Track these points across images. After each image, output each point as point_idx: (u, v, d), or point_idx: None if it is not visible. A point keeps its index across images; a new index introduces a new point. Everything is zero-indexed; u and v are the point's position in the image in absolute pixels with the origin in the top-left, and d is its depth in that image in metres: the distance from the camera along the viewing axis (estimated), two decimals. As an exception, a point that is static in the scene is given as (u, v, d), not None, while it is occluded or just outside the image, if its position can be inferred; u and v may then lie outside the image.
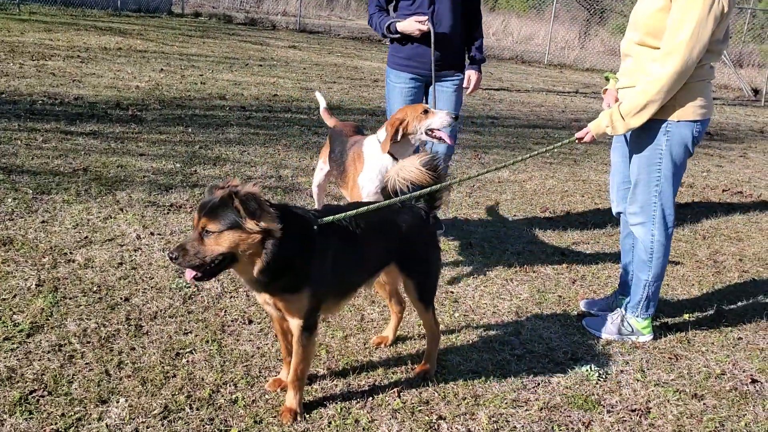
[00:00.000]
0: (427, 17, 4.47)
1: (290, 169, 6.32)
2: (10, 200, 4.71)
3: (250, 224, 2.37)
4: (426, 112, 4.00)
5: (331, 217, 2.75)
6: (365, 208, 2.88)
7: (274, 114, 8.78)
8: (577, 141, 3.58)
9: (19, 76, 9.18)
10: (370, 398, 2.98)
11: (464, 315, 3.90)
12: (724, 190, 7.44)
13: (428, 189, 3.08)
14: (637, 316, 3.75)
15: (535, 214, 5.87)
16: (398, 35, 4.58)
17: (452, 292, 4.16)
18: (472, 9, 4.77)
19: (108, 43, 13.82)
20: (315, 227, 2.66)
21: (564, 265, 4.77)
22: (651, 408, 3.15)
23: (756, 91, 18.20)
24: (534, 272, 4.58)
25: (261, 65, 13.19)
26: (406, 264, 3.05)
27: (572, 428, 2.94)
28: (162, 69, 11.24)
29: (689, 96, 3.37)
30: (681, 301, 4.37)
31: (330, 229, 2.72)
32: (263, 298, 2.69)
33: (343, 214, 2.79)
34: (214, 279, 2.75)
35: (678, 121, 3.41)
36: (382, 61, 16.98)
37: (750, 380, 3.46)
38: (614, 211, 3.97)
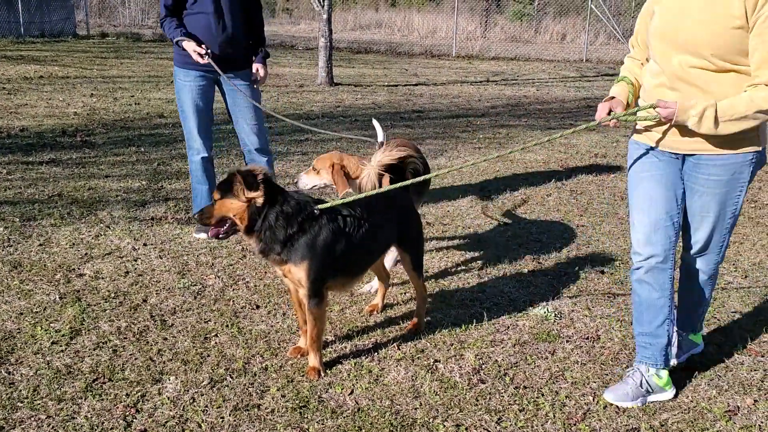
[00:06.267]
0: (207, 50, 4.63)
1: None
2: (1, 229, 5.05)
3: (240, 193, 3.14)
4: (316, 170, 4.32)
5: (329, 203, 3.32)
6: (363, 194, 3.47)
7: (216, 126, 9.16)
8: (655, 110, 2.94)
9: (-47, 113, 9.25)
10: (376, 353, 3.58)
11: (434, 281, 4.54)
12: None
13: (430, 175, 3.76)
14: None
15: (474, 193, 6.58)
16: (185, 51, 4.68)
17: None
18: (251, 7, 4.95)
19: (26, 72, 13.80)
20: (315, 211, 3.25)
21: (510, 233, 5.49)
22: (600, 335, 3.87)
23: (649, 65, 19.64)
24: (485, 241, 5.28)
25: (186, 81, 13.46)
26: (404, 243, 3.73)
27: (542, 356, 3.63)
28: (92, 94, 11.42)
29: None
30: (612, 252, 5.15)
31: (332, 215, 3.30)
32: (279, 270, 3.34)
33: (339, 201, 3.37)
34: (226, 240, 3.63)
35: (763, 148, 3.05)
36: (301, 66, 17.48)
37: (675, 307, 4.24)
38: (645, 255, 3.18)
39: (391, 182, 3.92)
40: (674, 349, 3.48)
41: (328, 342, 3.69)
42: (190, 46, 4.65)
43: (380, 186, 3.89)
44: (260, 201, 3.16)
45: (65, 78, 13.23)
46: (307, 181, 4.35)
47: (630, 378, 3.29)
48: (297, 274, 3.25)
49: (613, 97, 3.19)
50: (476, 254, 5.02)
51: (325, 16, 13.69)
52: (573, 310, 4.17)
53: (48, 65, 15.13)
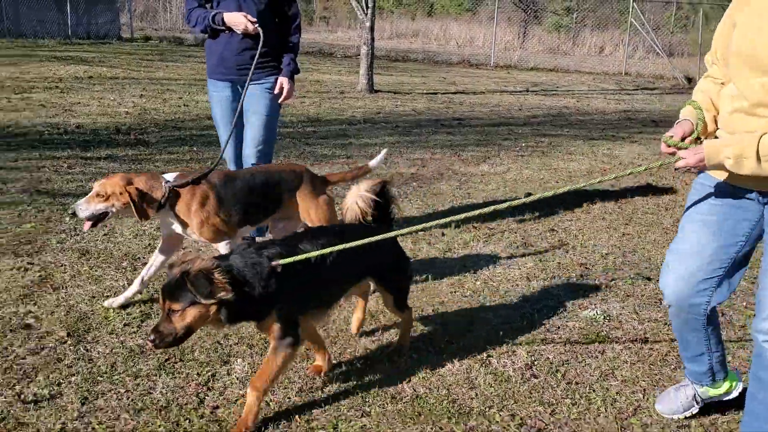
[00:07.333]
0: (256, 19, 4.43)
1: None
2: (67, 219, 5.28)
3: (205, 299, 2.64)
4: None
5: (287, 260, 2.87)
6: (329, 249, 2.98)
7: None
8: (675, 166, 2.66)
9: (12, 109, 9.61)
10: (431, 347, 3.72)
11: (484, 283, 4.66)
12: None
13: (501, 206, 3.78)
14: None
15: (519, 200, 6.67)
16: (222, 28, 4.52)
17: (468, 267, 4.92)
18: (285, 13, 4.73)
19: (77, 72, 14.21)
20: (271, 269, 2.83)
21: (557, 239, 5.59)
22: (648, 337, 3.96)
23: (689, 80, 19.59)
24: (533, 246, 5.39)
25: (231, 84, 13.76)
26: (381, 278, 3.44)
27: (591, 355, 3.73)
28: (141, 94, 11.75)
29: None
30: (658, 260, 5.22)
31: (291, 265, 2.89)
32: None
33: (303, 255, 2.91)
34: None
35: None
36: (340, 73, 17.73)
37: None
38: (670, 301, 2.94)
39: (378, 210, 3.47)
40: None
41: (385, 331, 3.83)
42: (234, 17, 4.43)
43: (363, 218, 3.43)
44: (232, 297, 2.70)
45: (114, 79, 13.61)
46: (91, 209, 3.71)
47: (682, 391, 3.23)
48: (266, 327, 2.96)
49: (682, 121, 2.75)
50: (523, 258, 5.13)
51: (368, 24, 13.91)
52: (621, 314, 4.26)
53: (96, 66, 15.55)
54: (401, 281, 3.56)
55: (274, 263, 2.84)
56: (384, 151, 4.53)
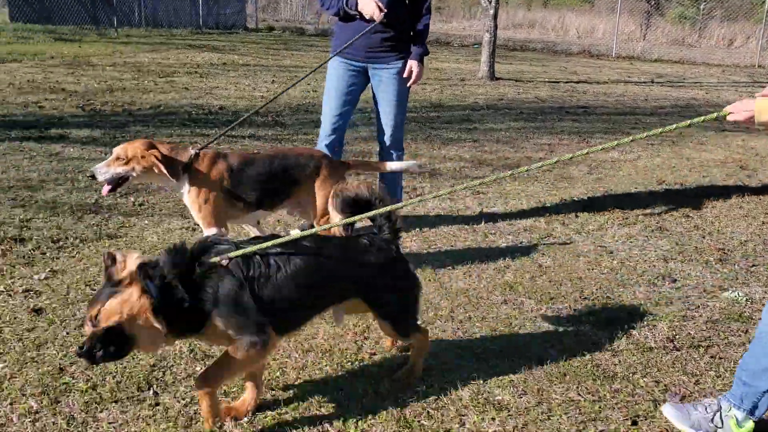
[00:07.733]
0: (386, 10, 4.42)
1: (426, 157, 7.27)
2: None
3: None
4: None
5: (246, 249, 2.59)
6: (274, 241, 2.67)
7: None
8: (726, 118, 2.54)
9: (160, 91, 10.38)
10: (571, 318, 3.85)
11: (621, 263, 4.71)
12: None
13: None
14: None
15: (652, 187, 6.64)
16: (355, 12, 4.52)
17: (604, 247, 4.97)
18: None
19: (211, 59, 15.06)
20: (223, 261, 2.55)
21: (692, 225, 5.54)
22: (794, 321, 3.92)
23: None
24: (668, 230, 5.37)
25: (355, 72, 14.19)
26: (374, 302, 2.91)
27: (734, 334, 3.74)
28: (273, 80, 12.35)
29: None
30: (800, 248, 5.10)
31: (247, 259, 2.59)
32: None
33: (245, 249, 2.59)
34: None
35: None
36: (458, 62, 17.86)
37: None
38: None
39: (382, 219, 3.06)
40: None
41: (528, 298, 3.98)
42: (366, 3, 4.44)
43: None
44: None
45: (246, 65, 14.34)
46: (111, 173, 3.65)
47: (703, 405, 2.89)
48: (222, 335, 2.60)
49: None
50: (659, 241, 5.13)
51: (491, 12, 13.97)
52: (764, 297, 4.22)
53: (228, 54, 16.41)
54: (398, 304, 2.96)
55: (220, 259, 2.55)
56: (412, 162, 4.57)
